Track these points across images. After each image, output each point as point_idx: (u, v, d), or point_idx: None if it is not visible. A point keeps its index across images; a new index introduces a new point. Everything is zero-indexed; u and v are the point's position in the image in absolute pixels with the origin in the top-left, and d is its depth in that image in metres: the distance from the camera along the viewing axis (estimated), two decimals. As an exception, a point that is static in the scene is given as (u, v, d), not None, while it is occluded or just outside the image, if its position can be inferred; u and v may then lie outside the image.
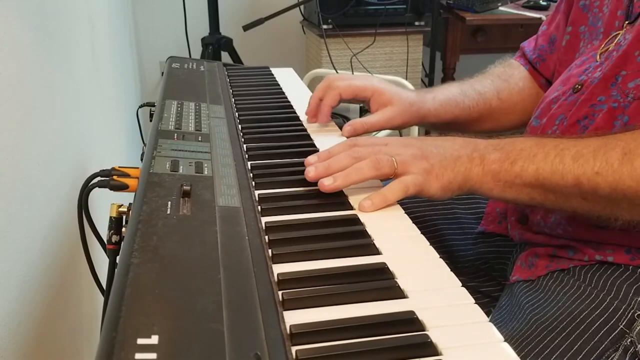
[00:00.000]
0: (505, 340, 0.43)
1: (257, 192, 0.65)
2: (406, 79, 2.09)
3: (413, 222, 0.61)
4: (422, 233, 0.60)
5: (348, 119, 0.86)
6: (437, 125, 0.93)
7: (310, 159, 0.69)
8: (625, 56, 0.69)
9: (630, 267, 0.67)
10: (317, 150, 0.79)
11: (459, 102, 0.92)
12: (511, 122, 0.96)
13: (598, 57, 0.76)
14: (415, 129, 1.99)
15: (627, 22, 0.75)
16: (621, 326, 0.61)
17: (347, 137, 0.84)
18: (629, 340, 0.60)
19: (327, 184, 0.64)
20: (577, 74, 0.78)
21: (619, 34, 0.75)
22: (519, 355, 0.42)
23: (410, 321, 0.45)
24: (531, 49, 0.98)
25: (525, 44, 1.00)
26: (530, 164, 0.64)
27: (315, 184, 0.65)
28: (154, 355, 0.36)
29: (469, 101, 0.92)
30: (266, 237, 0.55)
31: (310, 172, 0.66)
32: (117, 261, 0.59)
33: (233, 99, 0.98)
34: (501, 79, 0.97)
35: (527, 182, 0.64)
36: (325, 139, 0.83)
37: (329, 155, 0.68)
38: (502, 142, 0.67)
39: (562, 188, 0.62)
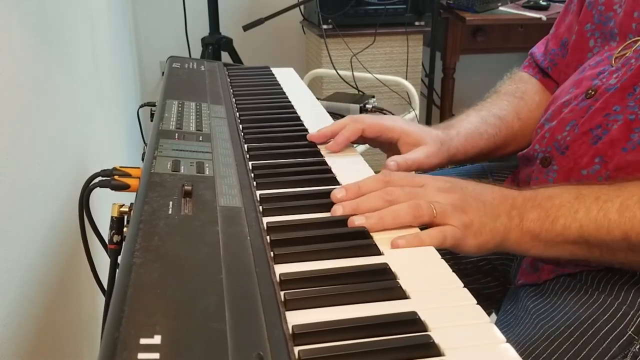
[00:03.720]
0: (512, 346, 0.43)
1: (258, 192, 0.65)
2: (406, 79, 2.09)
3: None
4: (423, 233, 0.59)
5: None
6: (464, 161, 0.88)
7: (337, 193, 0.62)
8: None
9: (638, 273, 0.66)
10: (318, 151, 0.79)
11: (482, 133, 0.86)
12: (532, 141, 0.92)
13: (614, 61, 0.74)
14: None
15: None
16: (630, 332, 0.61)
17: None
18: (638, 347, 0.60)
19: (358, 223, 0.58)
20: (590, 76, 0.76)
21: (639, 40, 0.72)
22: None
23: (412, 322, 0.44)
24: (541, 54, 0.94)
25: (535, 49, 0.96)
26: (572, 221, 0.61)
27: (315, 185, 0.65)
28: (156, 355, 0.36)
29: (491, 129, 0.87)
30: (268, 237, 0.55)
31: (338, 212, 0.61)
32: (119, 261, 0.59)
33: (234, 99, 0.98)
34: (517, 97, 0.92)
35: (571, 240, 0.62)
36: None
37: (358, 192, 0.62)
38: (538, 197, 0.64)
39: (609, 243, 0.61)
